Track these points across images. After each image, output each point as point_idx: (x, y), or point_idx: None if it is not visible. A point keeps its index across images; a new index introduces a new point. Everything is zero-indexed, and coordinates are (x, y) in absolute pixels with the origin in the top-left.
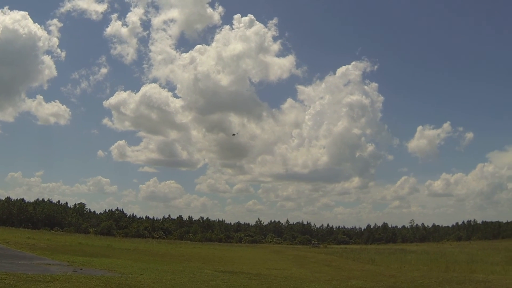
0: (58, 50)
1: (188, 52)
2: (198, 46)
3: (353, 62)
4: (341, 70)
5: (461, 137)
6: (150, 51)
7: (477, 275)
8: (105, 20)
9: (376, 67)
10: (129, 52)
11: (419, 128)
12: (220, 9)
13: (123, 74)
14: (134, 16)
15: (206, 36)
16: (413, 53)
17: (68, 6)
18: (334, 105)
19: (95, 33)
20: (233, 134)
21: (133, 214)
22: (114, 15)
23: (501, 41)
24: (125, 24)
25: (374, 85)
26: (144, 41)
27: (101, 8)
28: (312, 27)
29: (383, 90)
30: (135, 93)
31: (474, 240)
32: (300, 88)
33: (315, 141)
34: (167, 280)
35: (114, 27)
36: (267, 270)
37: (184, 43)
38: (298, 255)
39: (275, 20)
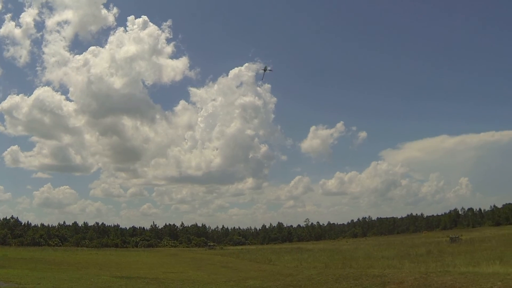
0: None
1: (82, 54)
2: (91, 48)
3: (246, 64)
4: (233, 71)
5: (354, 136)
6: (43, 53)
7: (373, 270)
8: None
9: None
10: (22, 54)
11: (312, 128)
12: (115, 10)
13: (15, 77)
14: (28, 16)
15: (100, 38)
16: (306, 55)
17: None
18: (227, 106)
19: None
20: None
21: (28, 222)
22: (8, 16)
23: (388, 47)
24: (18, 25)
25: (267, 86)
26: (38, 43)
27: None
28: (206, 29)
29: (276, 91)
30: (28, 97)
31: (369, 236)
32: (193, 90)
33: (208, 143)
34: None
35: (8, 28)
36: (164, 273)
37: (78, 45)
38: (195, 257)
39: (169, 22)
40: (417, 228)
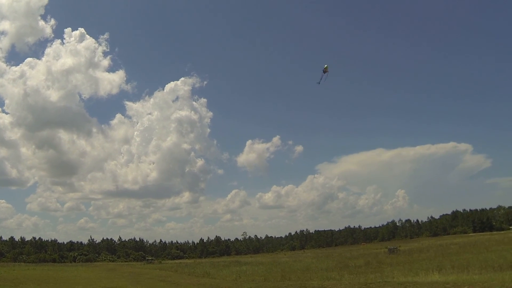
0: None
1: (18, 65)
2: (28, 59)
3: (182, 78)
4: (169, 86)
5: (290, 150)
6: None
7: (312, 282)
8: None
9: (205, 83)
10: None
11: (248, 142)
12: (52, 21)
13: None
14: None
15: (37, 49)
16: (242, 70)
17: None
18: (163, 120)
19: None
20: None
21: None
22: None
23: (324, 63)
24: None
25: (203, 100)
26: None
27: None
28: (143, 43)
29: (211, 106)
30: None
31: (308, 248)
32: (129, 104)
33: (145, 157)
34: None
35: None
36: None
37: (14, 57)
38: (133, 272)
39: (106, 35)
40: (355, 240)
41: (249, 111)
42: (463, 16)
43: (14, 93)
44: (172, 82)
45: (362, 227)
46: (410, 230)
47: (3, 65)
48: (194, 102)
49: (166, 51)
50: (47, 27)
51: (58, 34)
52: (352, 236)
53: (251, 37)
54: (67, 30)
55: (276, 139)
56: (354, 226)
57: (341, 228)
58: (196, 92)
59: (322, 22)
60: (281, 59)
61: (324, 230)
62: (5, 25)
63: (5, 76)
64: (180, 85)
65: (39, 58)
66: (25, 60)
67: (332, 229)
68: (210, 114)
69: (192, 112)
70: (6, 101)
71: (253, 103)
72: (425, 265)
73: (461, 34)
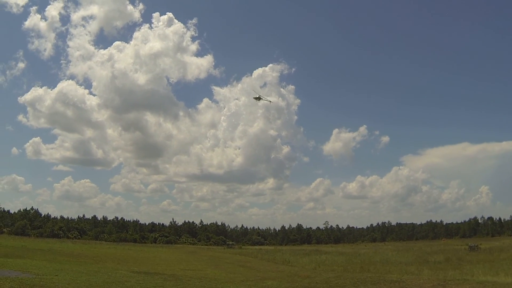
0: None
1: (106, 49)
2: (116, 43)
3: (270, 65)
4: (257, 72)
5: (376, 140)
6: (68, 46)
7: (391, 276)
8: (24, 13)
9: (293, 69)
10: (47, 47)
11: (335, 131)
12: (141, 6)
13: (40, 70)
14: (54, 10)
15: (126, 33)
16: (331, 58)
17: None
18: (250, 106)
19: (13, 26)
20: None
21: (47, 213)
22: (33, 8)
23: (414, 55)
24: (44, 18)
25: (291, 87)
26: (63, 37)
27: (22, 1)
28: (231, 29)
29: (299, 93)
30: (51, 90)
31: (388, 241)
32: (216, 89)
33: (230, 142)
34: (82, 281)
35: (33, 20)
36: (182, 270)
37: (103, 40)
38: (213, 255)
39: (194, 20)
40: (436, 235)
41: (337, 99)
42: None
43: (102, 76)
44: (260, 68)
45: (444, 222)
46: (492, 228)
47: (92, 48)
48: (282, 89)
49: (255, 37)
50: (135, 12)
51: (146, 18)
52: (433, 231)
53: (341, 25)
54: (155, 14)
55: (362, 129)
56: (436, 221)
57: (422, 222)
58: (284, 79)
59: (403, 11)
60: (369, 48)
61: (406, 223)
62: (94, 9)
63: (94, 59)
64: (269, 71)
65: (127, 42)
66: (113, 44)
67: (414, 222)
68: (298, 101)
69: (280, 98)
70: (94, 83)
71: (341, 92)
72: (506, 265)
73: None
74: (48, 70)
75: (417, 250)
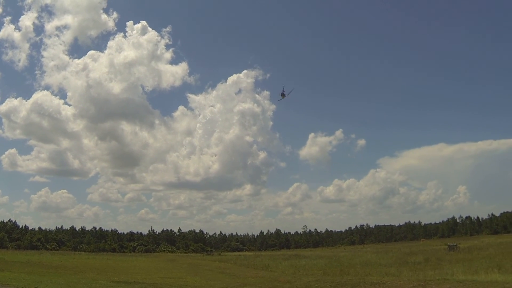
0: None
1: (81, 58)
2: (91, 52)
3: (245, 71)
4: (232, 78)
5: (353, 144)
6: (42, 56)
7: (371, 278)
8: None
9: (268, 75)
10: (21, 57)
11: (311, 135)
12: (115, 15)
13: (14, 81)
14: (27, 20)
15: (100, 42)
16: (304, 63)
17: None
18: (225, 113)
19: None
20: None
21: (25, 225)
22: (7, 18)
23: (387, 55)
24: (17, 28)
25: (266, 93)
26: (37, 47)
27: None
28: (205, 36)
29: (275, 98)
30: (26, 100)
31: (367, 243)
32: (191, 96)
33: (207, 149)
34: None
35: (7, 31)
36: (162, 279)
37: (77, 49)
38: (192, 263)
39: (168, 28)
40: (415, 236)
41: (313, 104)
42: None
43: (77, 85)
44: (235, 75)
45: (422, 223)
46: (470, 227)
47: (66, 58)
48: (256, 95)
49: (229, 43)
50: (109, 20)
51: (121, 27)
52: (412, 232)
53: (314, 28)
54: (129, 23)
55: (338, 132)
56: (414, 222)
57: (401, 224)
58: (259, 85)
59: (377, 12)
60: (343, 51)
61: (384, 225)
62: (68, 19)
63: (68, 69)
64: (243, 78)
65: (101, 51)
66: (88, 53)
67: (392, 224)
68: (273, 107)
69: (255, 104)
70: (69, 93)
71: (317, 96)
72: (485, 264)
73: None
74: (23, 81)
75: (396, 251)
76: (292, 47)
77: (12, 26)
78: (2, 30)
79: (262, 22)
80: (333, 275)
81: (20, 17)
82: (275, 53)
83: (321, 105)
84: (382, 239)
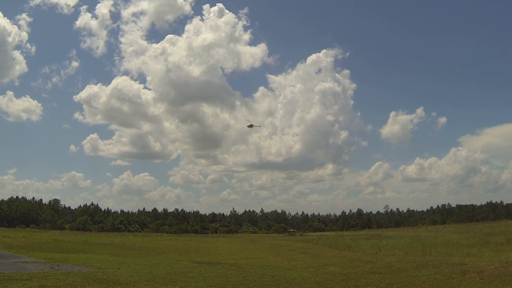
0: (28, 45)
1: (159, 43)
2: (169, 36)
3: (324, 50)
4: (311, 58)
5: (434, 122)
6: (120, 43)
7: (453, 258)
8: (75, 13)
9: (347, 54)
10: (99, 45)
11: (392, 114)
12: None
13: (93, 68)
14: (104, 8)
15: (177, 26)
16: (385, 41)
17: (37, 0)
18: (306, 93)
19: (65, 26)
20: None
21: (108, 208)
22: (83, 7)
23: (469, 34)
24: (94, 16)
25: (346, 72)
26: (114, 33)
27: (72, 1)
28: (283, 16)
29: (355, 77)
30: (106, 86)
31: (449, 223)
32: (271, 77)
33: (288, 129)
34: (144, 273)
35: (84, 19)
36: (243, 259)
37: (155, 35)
38: (274, 243)
39: (245, 10)
40: (497, 216)
41: (393, 82)
42: None
43: (156, 70)
44: (314, 54)
45: (504, 203)
46: None
47: (144, 43)
48: (337, 74)
49: (307, 23)
50: (186, 4)
51: (197, 10)
52: (493, 212)
53: (393, 7)
54: (206, 6)
55: (419, 111)
56: (496, 202)
57: (482, 203)
58: (339, 64)
59: None
60: (423, 29)
61: (466, 205)
62: (144, 5)
63: (147, 54)
64: (323, 57)
65: (179, 35)
66: (166, 37)
67: (474, 203)
68: (354, 85)
69: (335, 83)
70: (148, 78)
71: (397, 74)
72: None
73: None
74: (102, 68)
75: (478, 231)
76: (371, 26)
77: (89, 15)
78: (79, 19)
79: (340, 1)
80: (414, 255)
81: (96, 5)
82: (354, 32)
83: (402, 83)
84: (463, 219)
